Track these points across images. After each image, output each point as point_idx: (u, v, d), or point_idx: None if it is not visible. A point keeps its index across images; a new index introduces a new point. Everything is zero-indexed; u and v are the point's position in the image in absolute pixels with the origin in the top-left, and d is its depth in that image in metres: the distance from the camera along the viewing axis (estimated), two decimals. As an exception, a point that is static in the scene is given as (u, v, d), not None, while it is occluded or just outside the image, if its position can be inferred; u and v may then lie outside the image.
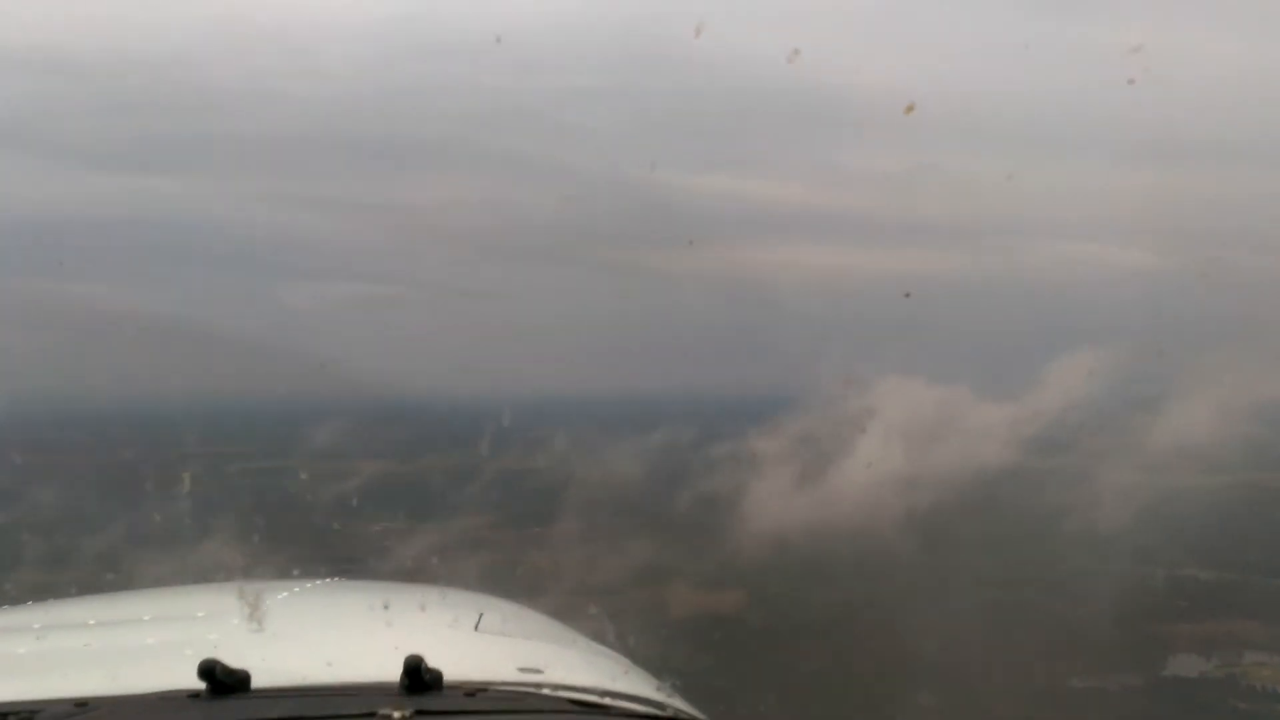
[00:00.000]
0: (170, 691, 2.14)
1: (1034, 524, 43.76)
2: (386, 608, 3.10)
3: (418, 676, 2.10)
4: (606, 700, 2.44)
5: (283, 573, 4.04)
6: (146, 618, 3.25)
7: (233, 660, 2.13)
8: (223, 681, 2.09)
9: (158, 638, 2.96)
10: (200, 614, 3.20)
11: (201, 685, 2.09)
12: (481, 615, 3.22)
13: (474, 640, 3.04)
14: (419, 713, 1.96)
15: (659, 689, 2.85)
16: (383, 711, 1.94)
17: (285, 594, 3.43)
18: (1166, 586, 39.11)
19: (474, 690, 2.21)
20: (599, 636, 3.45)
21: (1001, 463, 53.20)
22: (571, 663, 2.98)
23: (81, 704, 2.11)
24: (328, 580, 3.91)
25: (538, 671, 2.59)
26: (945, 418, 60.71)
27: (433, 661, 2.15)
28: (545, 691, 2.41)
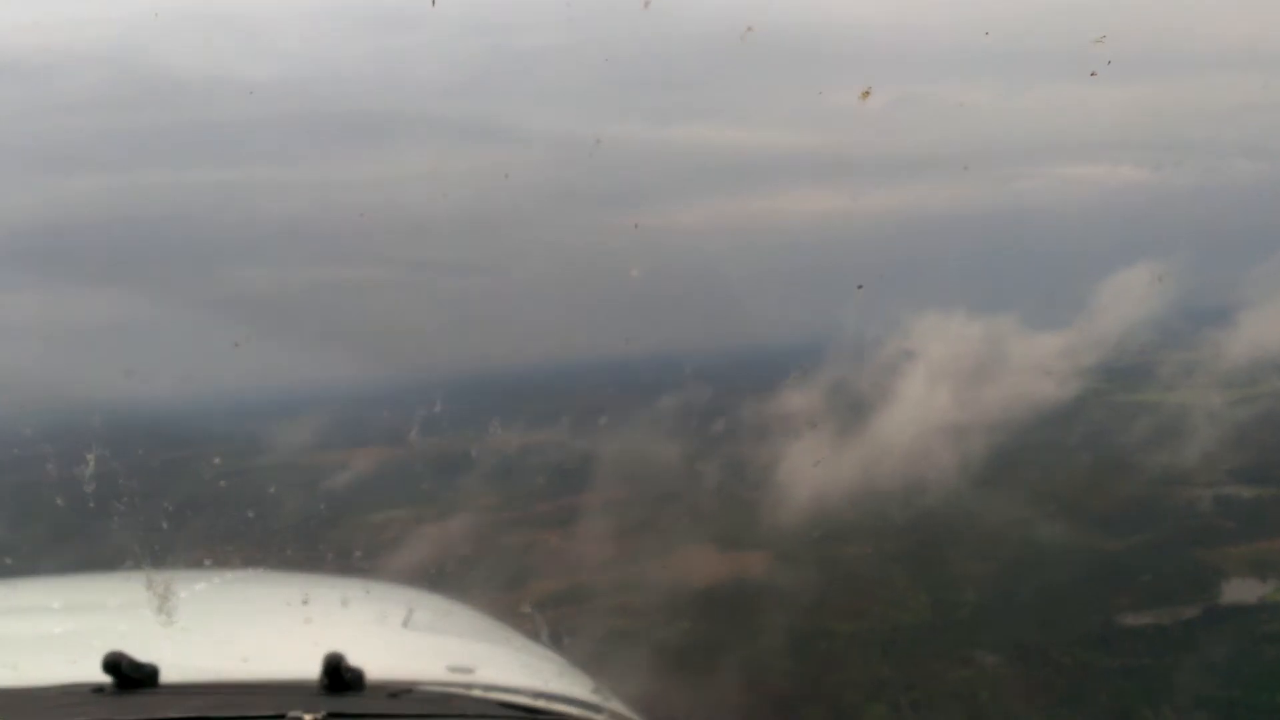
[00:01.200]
0: (73, 685, 2.12)
1: (1106, 457, 43.09)
2: (307, 602, 3.02)
3: (338, 675, 2.08)
4: (540, 702, 2.42)
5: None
6: (53, 606, 3.17)
7: (141, 653, 2.10)
8: (129, 675, 2.06)
9: (63, 627, 2.89)
10: (109, 604, 3.11)
11: (107, 679, 2.06)
12: (411, 611, 3.17)
13: (401, 637, 2.99)
14: (333, 715, 1.92)
15: (595, 690, 2.81)
16: (293, 714, 1.90)
17: (200, 585, 3.30)
18: (1214, 509, 38.75)
19: (398, 690, 2.19)
20: (533, 635, 3.40)
21: (1062, 396, 51.66)
22: (504, 662, 2.94)
23: None
24: (248, 571, 3.79)
25: (468, 671, 2.55)
26: (995, 353, 57.74)
27: (355, 659, 2.12)
28: (475, 692, 2.38)
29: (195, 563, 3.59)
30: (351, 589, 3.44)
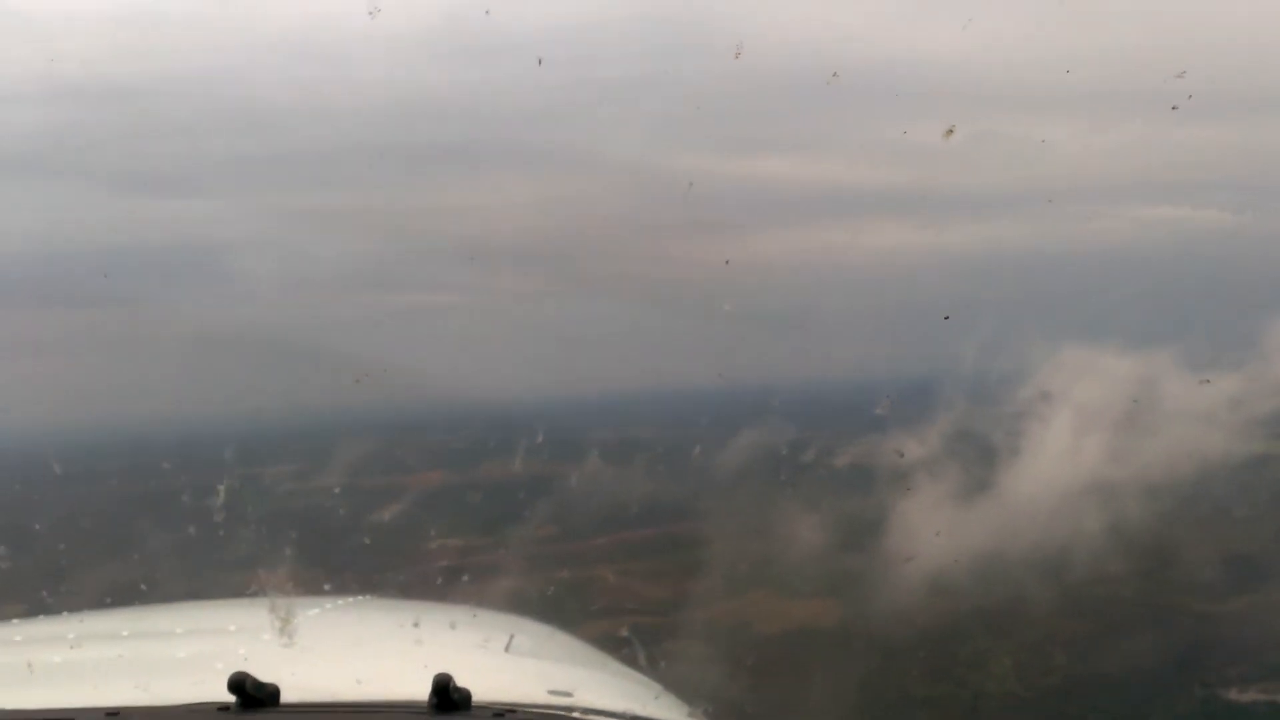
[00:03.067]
0: (199, 704, 2.24)
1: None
2: (417, 625, 3.18)
3: (446, 695, 2.17)
4: None
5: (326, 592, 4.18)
6: (178, 630, 3.39)
7: (263, 674, 2.22)
8: (252, 695, 2.16)
9: (188, 650, 3.09)
10: (231, 628, 3.31)
11: (231, 699, 2.17)
12: (513, 636, 3.32)
13: (504, 661, 3.13)
14: None
15: (690, 714, 2.93)
16: None
17: (316, 610, 3.59)
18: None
19: (502, 710, 2.28)
20: (631, 661, 3.58)
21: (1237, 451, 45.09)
22: (602, 687, 3.06)
23: (112, 714, 2.21)
24: (359, 598, 4.02)
25: (567, 695, 2.65)
26: (1147, 397, 50.45)
27: (462, 681, 2.22)
28: (575, 715, 2.46)
29: (314, 589, 3.91)
30: (458, 614, 3.67)
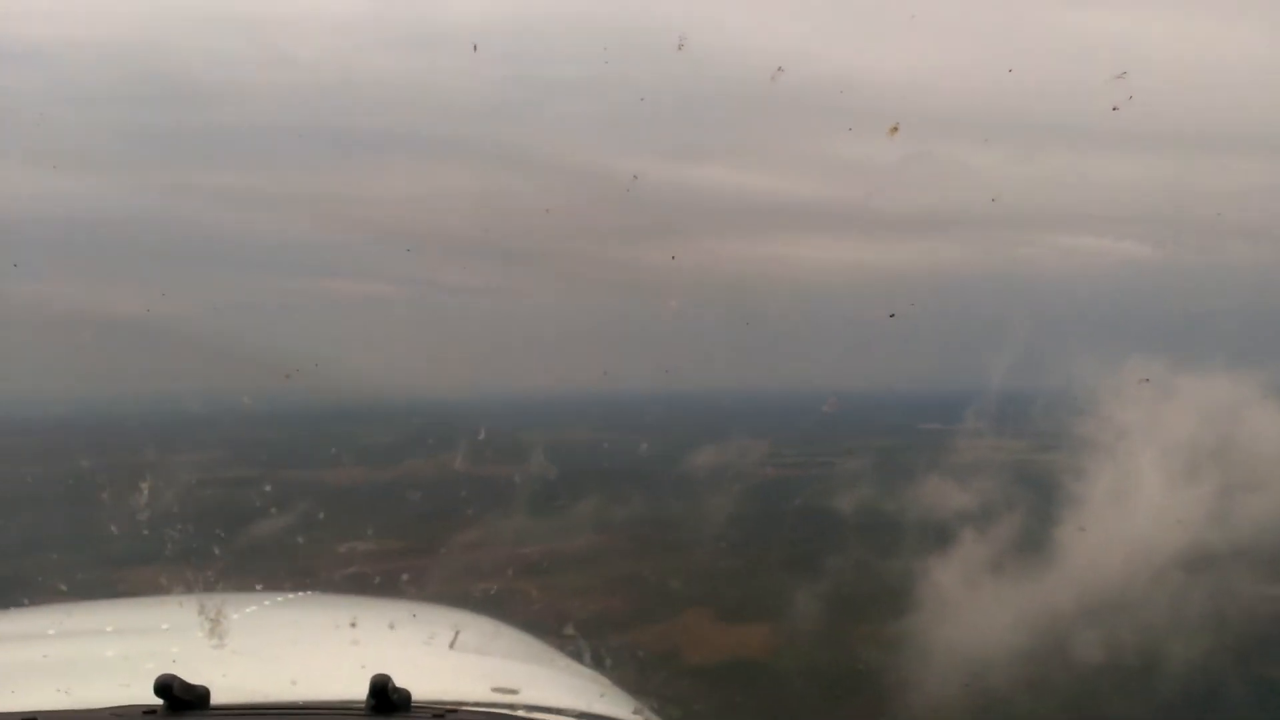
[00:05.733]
0: (125, 707, 2.23)
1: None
2: (354, 625, 3.21)
3: (384, 696, 2.19)
4: None
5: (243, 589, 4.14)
6: (106, 629, 3.37)
7: (192, 676, 2.22)
8: (180, 698, 2.17)
9: (115, 651, 3.07)
10: (161, 627, 3.32)
11: (159, 702, 2.18)
12: (457, 633, 3.35)
13: (447, 659, 3.17)
14: None
15: (637, 711, 2.96)
16: None
17: (250, 608, 3.58)
18: None
19: (443, 711, 2.31)
20: (577, 657, 3.59)
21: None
22: (548, 683, 3.09)
23: (29, 719, 2.22)
24: (295, 595, 4.03)
25: (513, 692, 2.69)
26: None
27: (402, 680, 2.25)
28: (520, 714, 2.51)
29: (246, 586, 3.92)
30: (398, 611, 3.68)
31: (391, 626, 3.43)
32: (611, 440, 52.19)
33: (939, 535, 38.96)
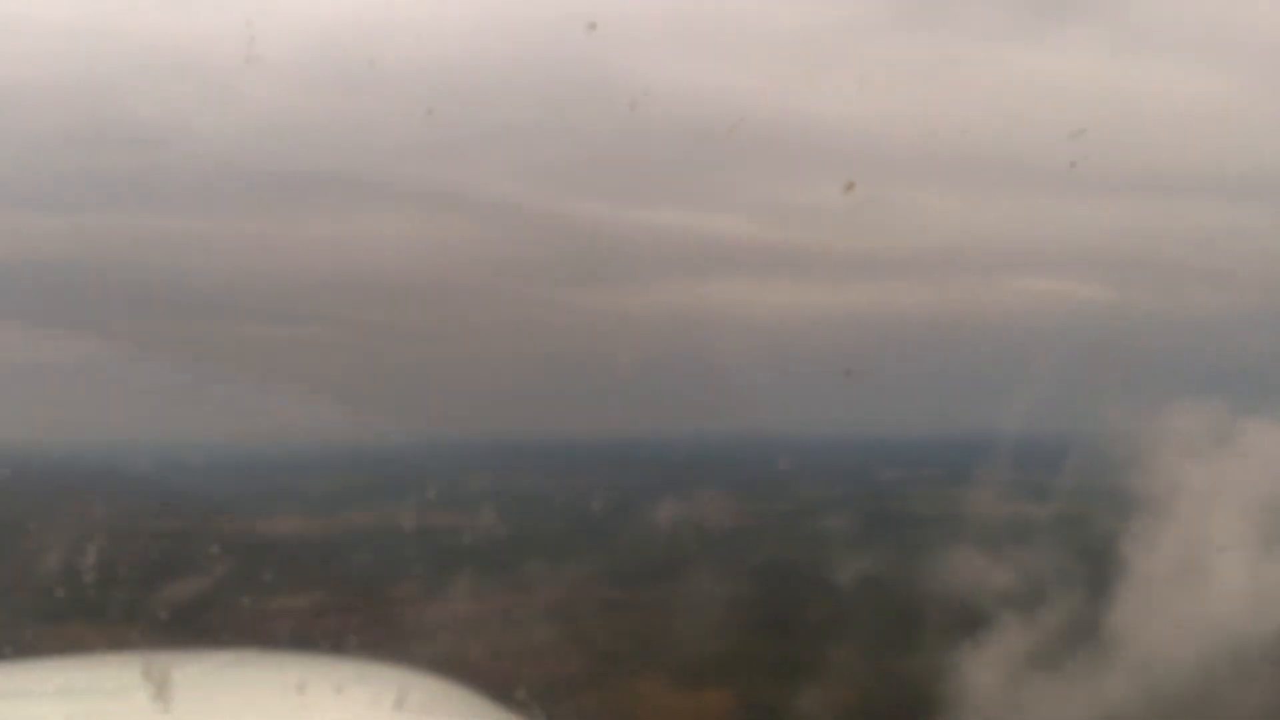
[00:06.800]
0: None
1: None
2: (301, 687, 3.18)
3: None
4: None
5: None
6: (48, 690, 3.31)
7: None
8: None
9: (58, 713, 3.02)
10: (106, 688, 3.26)
11: None
12: (404, 694, 3.30)
13: None
14: None
15: None
16: None
17: (193, 668, 3.50)
18: None
19: None
20: (527, 715, 3.54)
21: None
22: None
23: None
24: (239, 653, 3.95)
25: None
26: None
27: None
28: None
29: (192, 643, 3.81)
30: (343, 671, 3.67)
31: (338, 690, 3.36)
32: (559, 490, 51.69)
33: (906, 587, 38.04)
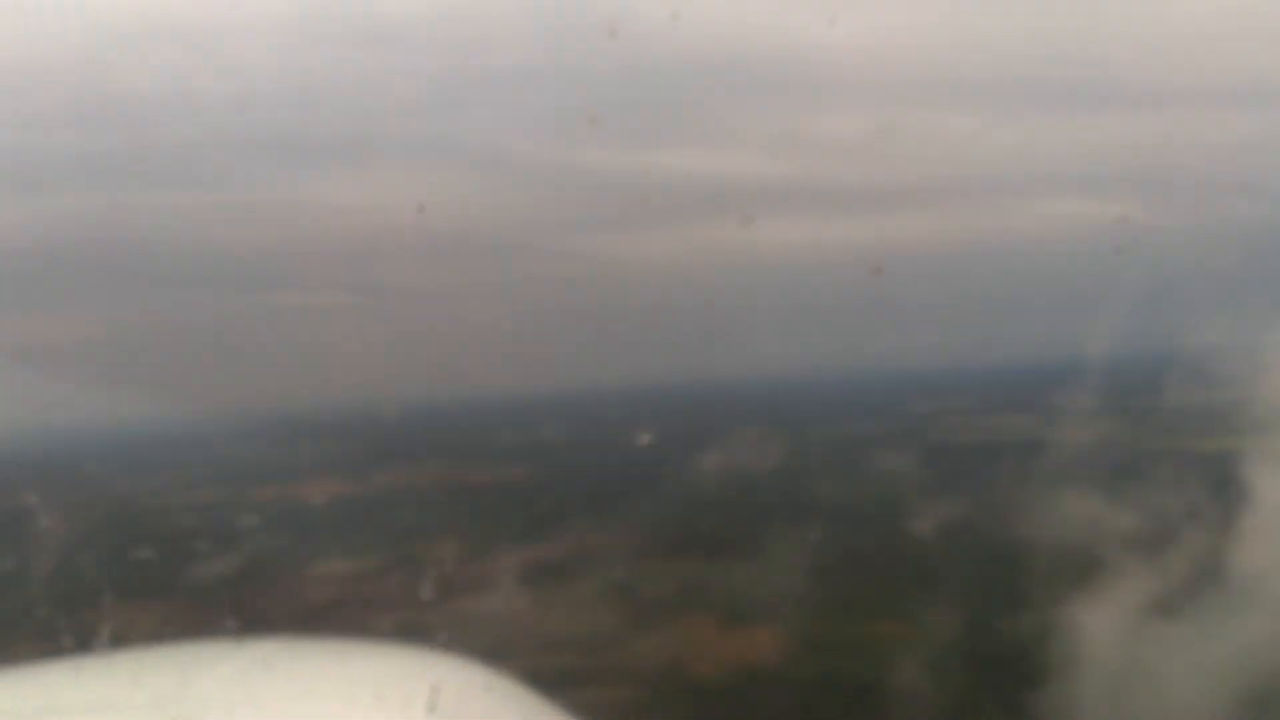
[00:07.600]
0: None
1: None
2: (341, 673, 3.33)
3: None
4: None
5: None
6: (133, 676, 3.38)
7: None
8: None
9: (146, 696, 3.11)
10: (190, 676, 3.29)
11: None
12: (447, 679, 3.34)
13: (438, 705, 3.11)
14: None
15: None
16: None
17: (228, 667, 3.46)
18: None
19: None
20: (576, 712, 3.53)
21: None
22: None
23: None
24: (287, 639, 3.89)
25: None
26: None
27: None
28: None
29: (241, 632, 3.59)
30: (381, 664, 3.64)
31: (382, 672, 3.43)
32: (603, 438, 52.19)
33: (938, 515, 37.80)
